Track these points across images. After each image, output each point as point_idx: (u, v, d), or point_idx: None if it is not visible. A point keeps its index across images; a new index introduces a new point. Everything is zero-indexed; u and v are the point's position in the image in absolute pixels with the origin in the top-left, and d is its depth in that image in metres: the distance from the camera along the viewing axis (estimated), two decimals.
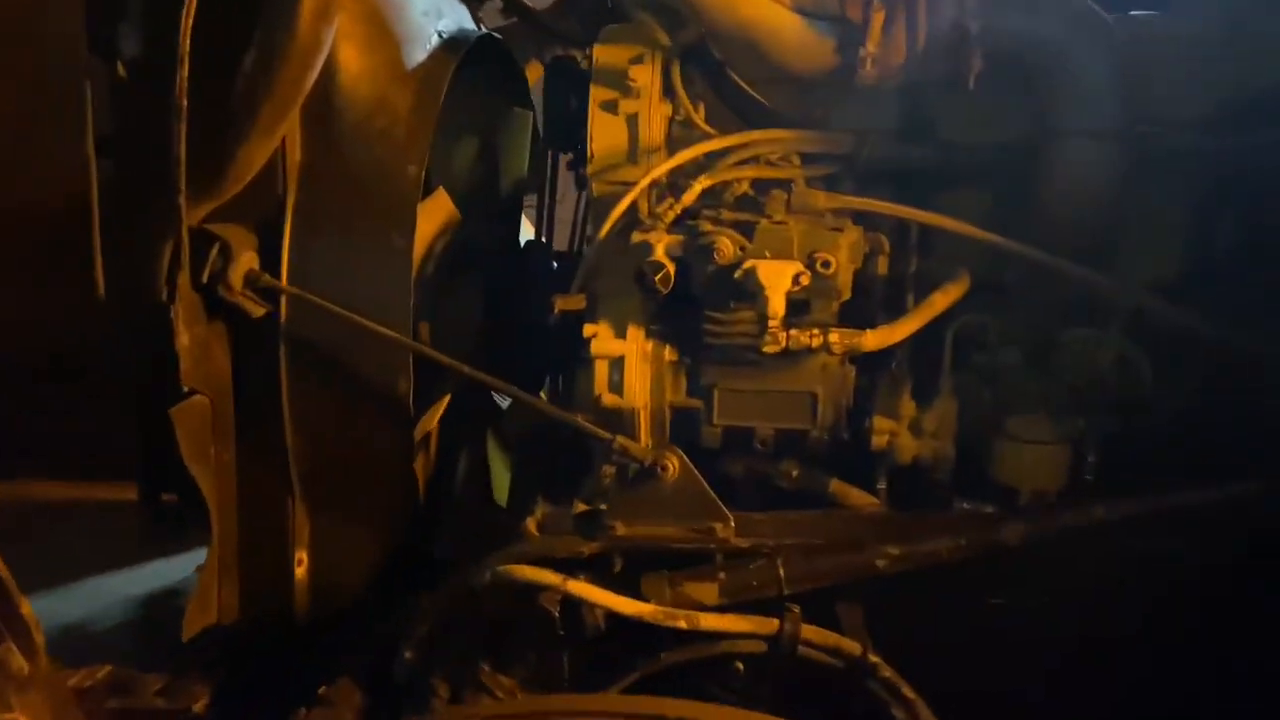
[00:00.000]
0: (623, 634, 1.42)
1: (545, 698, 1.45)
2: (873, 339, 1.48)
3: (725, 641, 1.39)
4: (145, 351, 1.50)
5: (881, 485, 1.61)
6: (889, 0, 1.42)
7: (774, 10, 1.47)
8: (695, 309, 1.55)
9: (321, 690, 1.52)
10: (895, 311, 1.57)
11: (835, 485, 1.59)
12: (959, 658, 1.43)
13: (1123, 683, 1.41)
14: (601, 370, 1.58)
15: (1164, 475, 1.51)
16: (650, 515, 1.49)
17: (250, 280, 1.53)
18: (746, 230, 1.48)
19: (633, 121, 1.61)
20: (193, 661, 1.64)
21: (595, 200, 1.65)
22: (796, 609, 1.39)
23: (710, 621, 1.38)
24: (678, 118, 1.63)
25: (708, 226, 1.49)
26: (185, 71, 1.37)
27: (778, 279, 1.43)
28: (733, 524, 1.48)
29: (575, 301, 1.59)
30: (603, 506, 1.65)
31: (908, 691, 1.35)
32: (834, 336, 1.48)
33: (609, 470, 1.66)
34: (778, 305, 1.43)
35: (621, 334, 1.58)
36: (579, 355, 1.61)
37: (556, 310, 1.58)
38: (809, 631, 1.38)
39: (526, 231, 2.25)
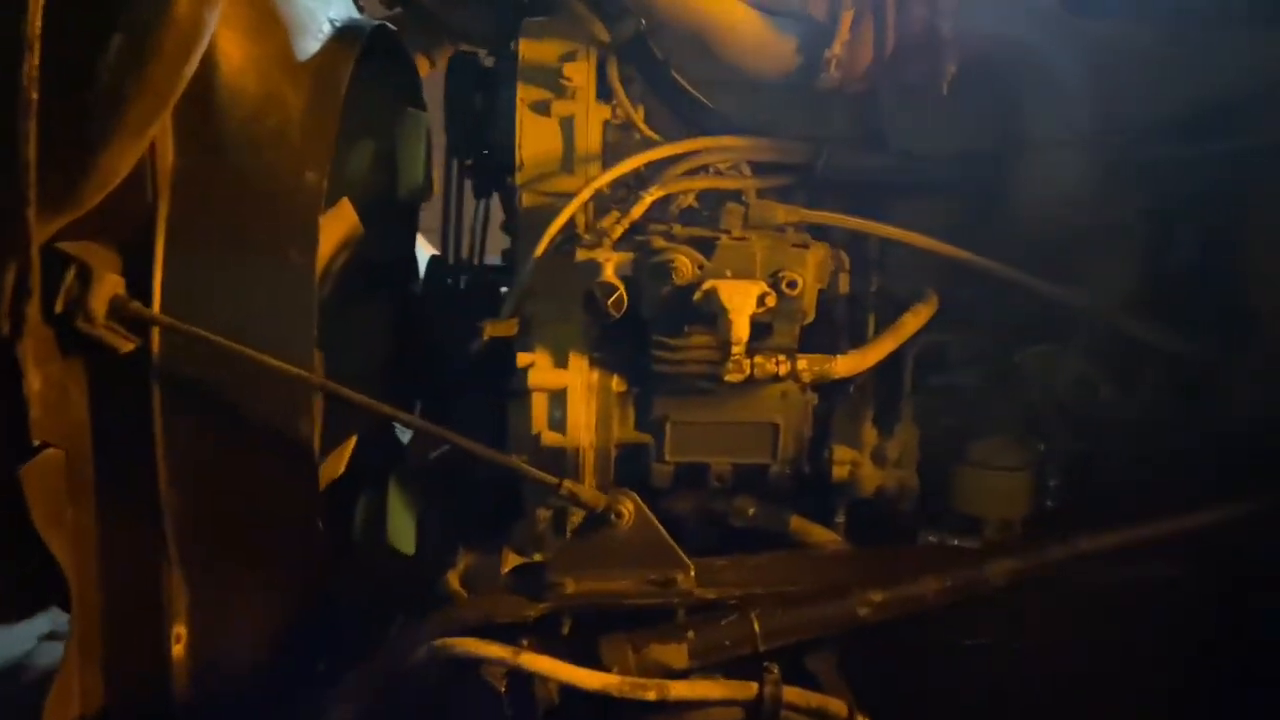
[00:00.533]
0: (579, 708, 1.26)
1: None
2: (844, 365, 1.37)
3: (698, 712, 1.24)
4: None
5: (840, 519, 1.50)
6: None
7: (732, 4, 1.33)
8: (640, 334, 1.40)
9: None
10: (854, 333, 1.46)
11: (796, 522, 1.47)
12: (942, 705, 1.34)
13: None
14: (540, 405, 1.40)
15: (1126, 494, 1.47)
16: (600, 567, 1.33)
17: (115, 309, 1.29)
18: (702, 247, 1.33)
19: (567, 125, 1.44)
20: None
21: (525, 212, 1.47)
22: (776, 670, 1.26)
23: (682, 690, 1.23)
24: (615, 121, 1.47)
25: (661, 243, 1.34)
26: (35, 59, 1.13)
27: (742, 300, 1.29)
28: (693, 573, 1.34)
29: (507, 327, 1.41)
30: (538, 558, 1.49)
31: None
32: (802, 363, 1.35)
33: (544, 515, 1.49)
34: (741, 329, 1.29)
35: (562, 363, 1.41)
36: (510, 388, 1.43)
37: (486, 337, 1.39)
38: (791, 694, 1.25)
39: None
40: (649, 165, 1.44)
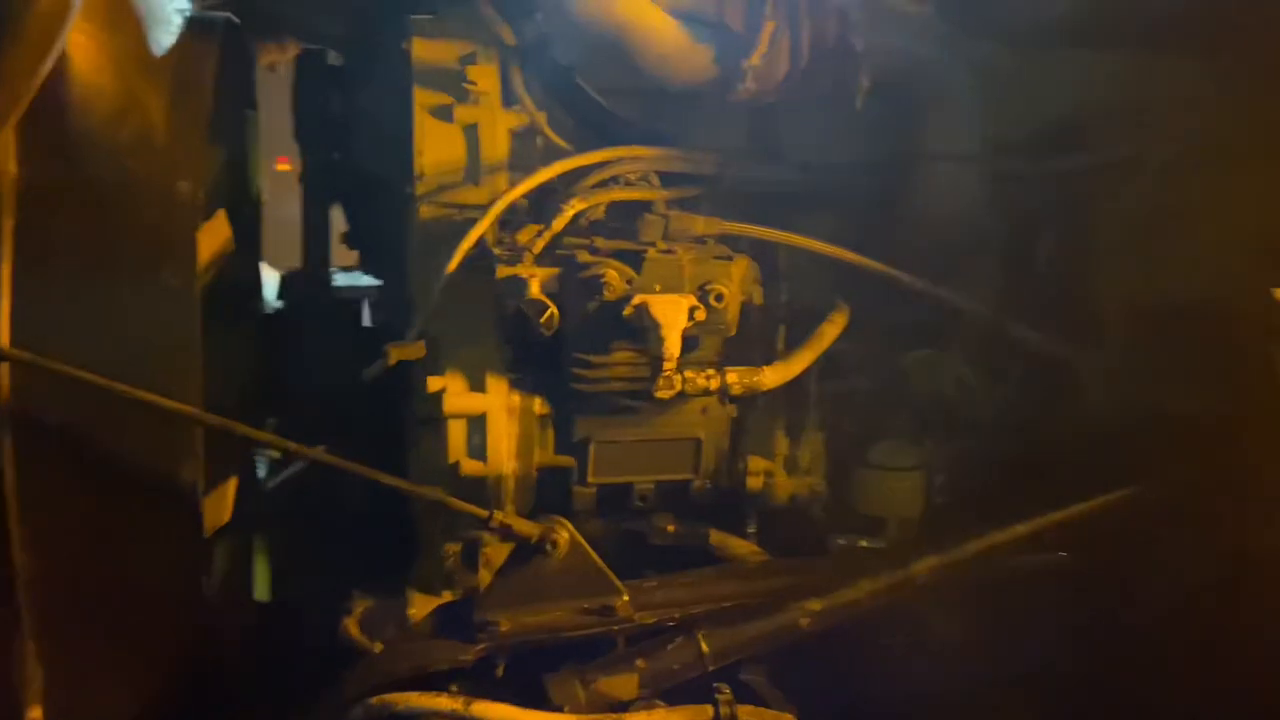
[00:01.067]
0: None
1: None
2: (771, 376, 1.36)
3: None
4: None
5: (752, 530, 1.50)
6: (772, 10, 1.30)
7: (653, 12, 1.28)
8: (557, 353, 1.33)
9: None
10: (765, 345, 1.47)
11: (715, 536, 1.45)
12: (875, 705, 1.36)
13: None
14: (458, 432, 1.31)
15: (1005, 489, 1.55)
16: (533, 601, 1.26)
17: None
18: (628, 260, 1.29)
19: (471, 133, 1.35)
20: None
21: (423, 225, 1.37)
22: (728, 690, 1.24)
23: None
24: (517, 129, 1.39)
25: (587, 257, 1.28)
26: None
27: (674, 315, 1.26)
28: (627, 598, 1.29)
29: (414, 351, 1.29)
30: (448, 596, 1.39)
31: None
32: (732, 376, 1.34)
33: (453, 549, 1.40)
34: (674, 345, 1.26)
35: (479, 387, 1.32)
36: (420, 415, 1.33)
37: (392, 361, 1.28)
38: (744, 712, 1.23)
39: None
40: (560, 176, 1.37)
